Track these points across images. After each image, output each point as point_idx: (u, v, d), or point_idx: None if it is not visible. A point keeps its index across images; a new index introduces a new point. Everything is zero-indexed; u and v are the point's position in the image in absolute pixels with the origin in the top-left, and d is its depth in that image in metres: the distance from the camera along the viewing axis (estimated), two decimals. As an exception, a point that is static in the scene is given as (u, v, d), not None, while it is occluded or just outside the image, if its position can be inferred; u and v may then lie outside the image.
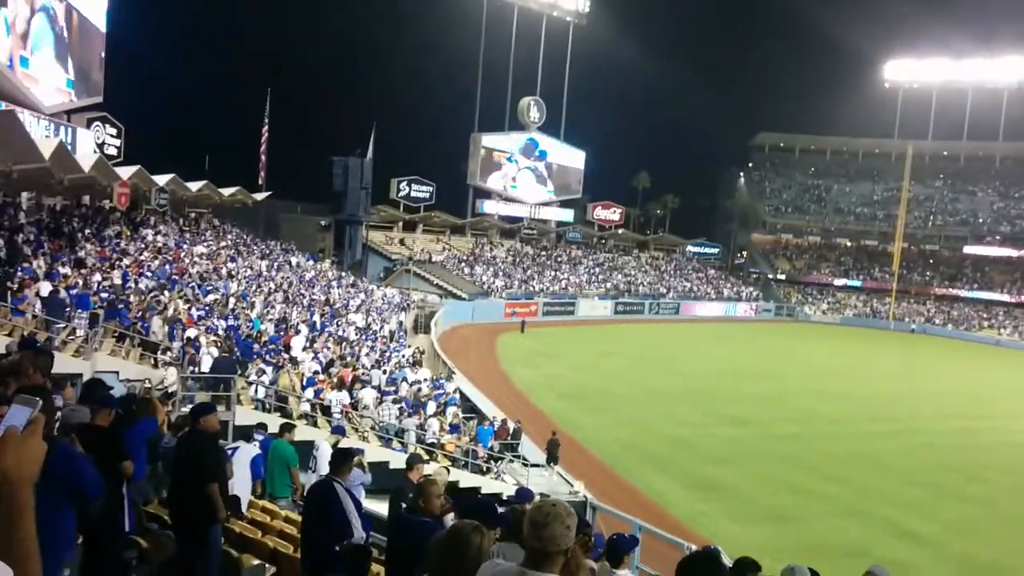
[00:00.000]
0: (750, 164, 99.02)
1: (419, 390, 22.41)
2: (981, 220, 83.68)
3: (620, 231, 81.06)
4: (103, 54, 32.93)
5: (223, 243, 35.48)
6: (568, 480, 19.23)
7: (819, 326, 72.97)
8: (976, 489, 22.18)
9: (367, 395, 19.38)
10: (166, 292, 21.60)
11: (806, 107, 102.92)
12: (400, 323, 36.71)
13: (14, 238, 19.77)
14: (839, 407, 32.31)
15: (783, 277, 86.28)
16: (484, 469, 18.83)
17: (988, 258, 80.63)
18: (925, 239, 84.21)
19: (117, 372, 10.33)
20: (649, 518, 14.69)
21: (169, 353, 16.88)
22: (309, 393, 18.13)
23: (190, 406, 10.50)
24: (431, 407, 21.04)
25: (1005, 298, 75.83)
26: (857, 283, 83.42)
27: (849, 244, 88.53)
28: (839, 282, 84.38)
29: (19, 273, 16.84)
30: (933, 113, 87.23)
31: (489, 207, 70.52)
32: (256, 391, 17.20)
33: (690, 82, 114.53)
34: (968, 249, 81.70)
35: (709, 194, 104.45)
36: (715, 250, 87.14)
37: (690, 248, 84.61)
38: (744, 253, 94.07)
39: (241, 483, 9.51)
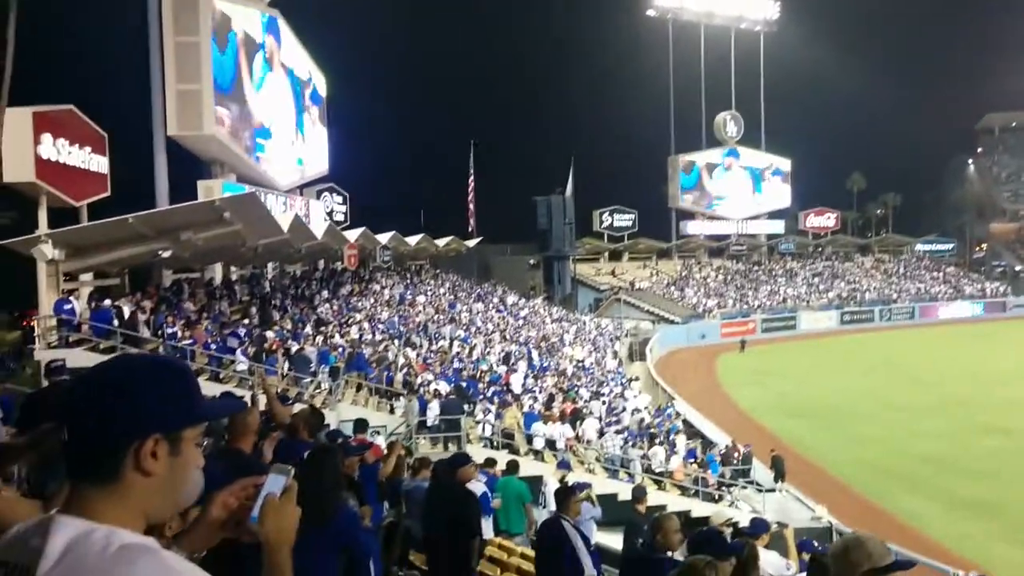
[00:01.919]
0: (979, 149, 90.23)
1: (642, 420, 22.29)
2: None
3: (837, 237, 76.32)
4: (326, 131, 36.36)
5: (442, 290, 37.51)
6: (806, 503, 18.23)
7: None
8: None
9: (589, 426, 19.57)
10: (396, 342, 23.16)
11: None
12: (615, 353, 36.78)
13: (265, 305, 22.15)
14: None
15: (1032, 267, 77.14)
16: (716, 497, 18.32)
17: None
18: None
19: (366, 420, 11.21)
20: (906, 542, 13.59)
21: (403, 399, 18.04)
22: (534, 428, 18.61)
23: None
24: (656, 435, 20.84)
25: None
26: None
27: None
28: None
29: (270, 335, 18.81)
30: None
31: (693, 228, 69.10)
32: (483, 429, 17.93)
33: (896, 73, 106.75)
34: None
35: (934, 187, 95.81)
36: (949, 246, 79.68)
37: (919, 246, 77.92)
38: (983, 245, 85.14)
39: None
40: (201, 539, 1.58)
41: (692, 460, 19.95)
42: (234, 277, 25.53)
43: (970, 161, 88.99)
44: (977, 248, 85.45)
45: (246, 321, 19.74)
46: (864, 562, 2.77)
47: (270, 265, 29.55)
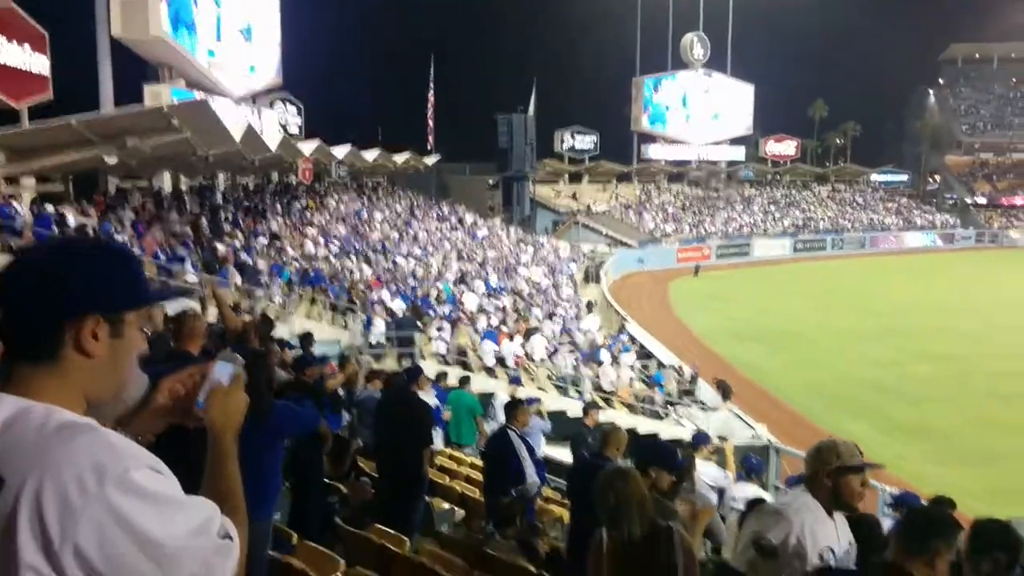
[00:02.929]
0: (940, 80, 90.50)
1: (594, 340, 22.62)
2: None
3: (796, 165, 76.83)
4: (279, 37, 35.06)
5: (399, 207, 37.13)
6: (748, 422, 18.81)
7: (1029, 251, 66.14)
8: None
9: (537, 344, 19.79)
10: (351, 258, 22.99)
11: (1003, 10, 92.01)
12: (571, 275, 37.01)
13: (216, 216, 21.72)
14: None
15: (983, 201, 78.73)
16: (662, 415, 18.81)
17: None
18: None
19: (312, 334, 11.17)
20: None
21: (354, 314, 18.02)
22: (487, 346, 18.79)
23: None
24: (605, 355, 21.19)
25: None
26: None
27: (1060, 159, 79.35)
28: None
29: (221, 247, 18.52)
30: None
31: (654, 152, 68.85)
32: (437, 346, 18.04)
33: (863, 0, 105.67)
34: None
35: (894, 118, 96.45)
36: (903, 177, 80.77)
37: (875, 177, 78.83)
38: (937, 178, 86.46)
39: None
40: (146, 424, 1.59)
41: (641, 380, 20.38)
42: (184, 188, 24.91)
43: (931, 92, 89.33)
44: (931, 180, 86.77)
45: (196, 232, 19.39)
46: (833, 460, 3.07)
47: (221, 176, 28.86)
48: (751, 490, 6.99)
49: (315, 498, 6.74)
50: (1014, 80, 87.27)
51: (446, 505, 8.34)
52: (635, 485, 3.58)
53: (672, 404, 19.55)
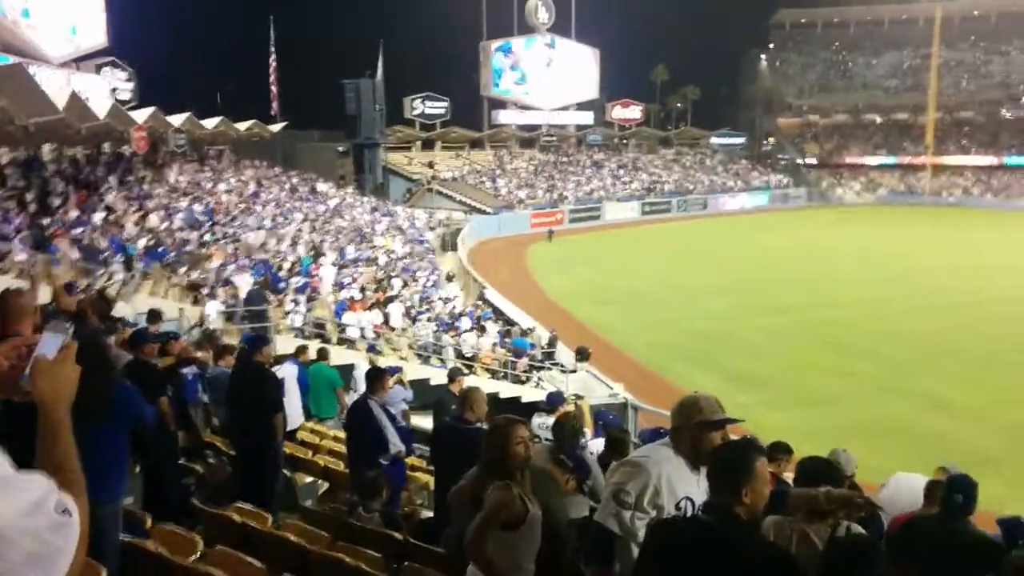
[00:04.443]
0: (771, 45, 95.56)
1: (453, 308, 22.67)
2: (1016, 79, 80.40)
3: (641, 129, 79.44)
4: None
5: (244, 178, 35.55)
6: (605, 381, 19.48)
7: (853, 208, 71.70)
8: (1020, 357, 22.05)
9: (396, 313, 19.65)
10: (194, 232, 21.87)
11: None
12: (427, 242, 36.83)
13: (44, 191, 20.05)
14: (877, 288, 32.03)
15: (813, 161, 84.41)
16: (523, 379, 19.14)
17: (1025, 121, 77.87)
18: (958, 107, 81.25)
19: (159, 311, 10.57)
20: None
21: (204, 290, 17.21)
22: (345, 318, 18.45)
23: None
24: (466, 322, 21.30)
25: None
26: (891, 160, 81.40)
27: (880, 120, 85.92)
28: (871, 161, 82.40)
29: (51, 223, 17.16)
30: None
31: (505, 117, 69.32)
32: (293, 320, 17.55)
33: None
34: (1005, 113, 78.88)
35: (730, 82, 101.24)
36: (740, 140, 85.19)
37: (714, 140, 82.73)
38: (771, 140, 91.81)
39: (294, 405, 9.78)
40: None
41: (502, 345, 20.63)
42: (4, 160, 22.80)
43: (763, 56, 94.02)
44: (765, 142, 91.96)
45: (22, 208, 17.85)
46: (695, 415, 3.14)
47: (46, 147, 26.63)
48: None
49: (170, 480, 6.46)
50: (836, 44, 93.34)
51: (309, 479, 8.20)
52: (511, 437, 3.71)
53: (533, 368, 19.93)
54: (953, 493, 4.25)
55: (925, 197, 73.56)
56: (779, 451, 5.89)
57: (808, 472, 3.95)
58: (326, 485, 8.15)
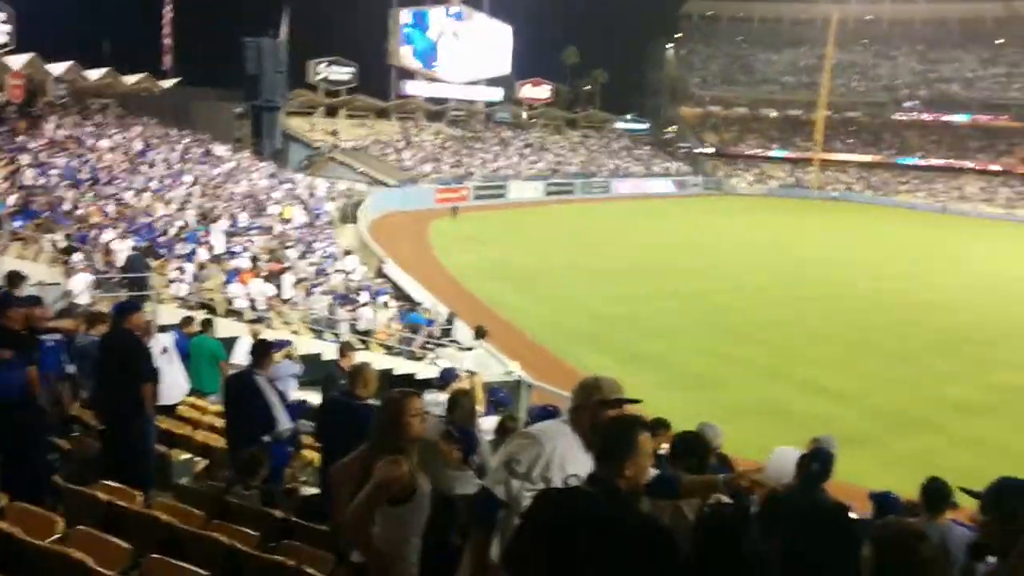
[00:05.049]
0: (679, 35, 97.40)
1: (350, 281, 22.21)
2: (901, 83, 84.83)
3: (550, 109, 79.76)
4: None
5: (130, 135, 33.71)
6: (501, 359, 19.52)
7: (746, 198, 74.23)
8: (893, 345, 23.36)
9: (287, 283, 19.10)
10: (72, 190, 20.62)
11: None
12: (325, 213, 35.95)
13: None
14: (764, 276, 33.32)
15: (711, 150, 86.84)
16: (419, 356, 18.96)
17: (906, 123, 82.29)
18: (847, 107, 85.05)
19: (20, 273, 9.82)
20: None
21: (79, 255, 16.22)
22: (233, 288, 17.77)
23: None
24: (363, 296, 20.91)
25: (921, 162, 78.11)
26: (782, 153, 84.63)
27: (775, 114, 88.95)
28: (765, 153, 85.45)
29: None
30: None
31: (413, 88, 68.23)
32: (178, 290, 16.79)
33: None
34: (888, 115, 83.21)
35: (638, 68, 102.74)
36: (645, 126, 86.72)
37: (619, 124, 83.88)
38: (674, 128, 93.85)
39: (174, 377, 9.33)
40: None
41: (399, 321, 20.36)
42: None
43: (671, 45, 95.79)
44: (668, 130, 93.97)
45: None
46: (595, 395, 3.24)
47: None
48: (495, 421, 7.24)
49: (32, 457, 6.02)
50: (740, 38, 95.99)
51: (185, 456, 7.84)
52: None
53: (430, 345, 19.76)
54: (812, 463, 4.50)
55: (812, 191, 76.89)
56: (659, 426, 6.09)
57: (679, 446, 4.13)
58: (204, 462, 7.81)
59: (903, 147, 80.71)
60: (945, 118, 79.82)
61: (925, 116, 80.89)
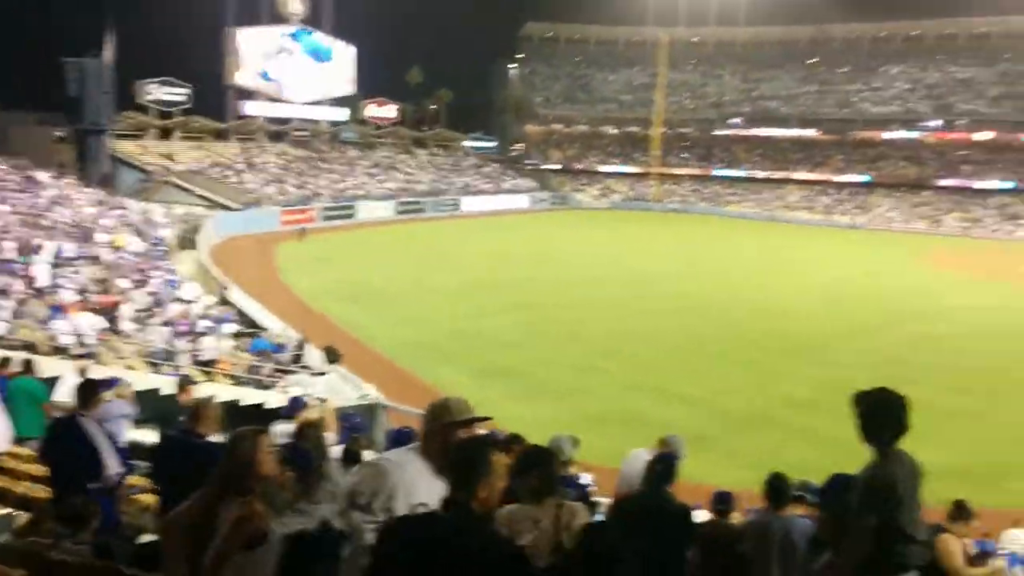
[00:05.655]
0: (521, 55, 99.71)
1: (190, 310, 21.10)
2: (728, 101, 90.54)
3: (397, 129, 79.38)
4: None
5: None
6: (356, 382, 19.11)
7: (590, 211, 76.74)
8: (744, 354, 24.50)
9: (124, 315, 17.95)
10: None
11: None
12: (162, 240, 34.08)
13: None
14: (615, 288, 34.39)
15: (557, 167, 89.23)
16: (268, 384, 18.23)
17: (733, 138, 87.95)
18: (680, 123, 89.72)
19: None
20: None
21: None
22: (59, 324, 16.48)
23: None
24: (205, 325, 19.91)
25: (747, 175, 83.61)
26: (623, 168, 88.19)
27: (614, 131, 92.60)
28: (606, 168, 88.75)
29: None
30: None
31: (252, 108, 66.07)
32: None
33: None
34: (716, 131, 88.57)
35: (483, 88, 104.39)
36: (492, 144, 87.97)
37: (467, 143, 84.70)
38: (520, 145, 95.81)
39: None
40: None
41: (246, 349, 19.52)
42: None
43: (512, 66, 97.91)
44: (515, 147, 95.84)
45: None
46: (445, 416, 3.22)
47: None
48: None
49: None
50: (578, 59, 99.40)
51: (4, 511, 7.12)
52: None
53: (280, 372, 19.06)
54: (656, 465, 4.64)
55: (652, 203, 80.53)
56: (513, 442, 6.04)
57: (522, 461, 4.11)
58: (27, 516, 7.13)
59: (732, 160, 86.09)
60: (767, 132, 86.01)
61: (750, 131, 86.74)
